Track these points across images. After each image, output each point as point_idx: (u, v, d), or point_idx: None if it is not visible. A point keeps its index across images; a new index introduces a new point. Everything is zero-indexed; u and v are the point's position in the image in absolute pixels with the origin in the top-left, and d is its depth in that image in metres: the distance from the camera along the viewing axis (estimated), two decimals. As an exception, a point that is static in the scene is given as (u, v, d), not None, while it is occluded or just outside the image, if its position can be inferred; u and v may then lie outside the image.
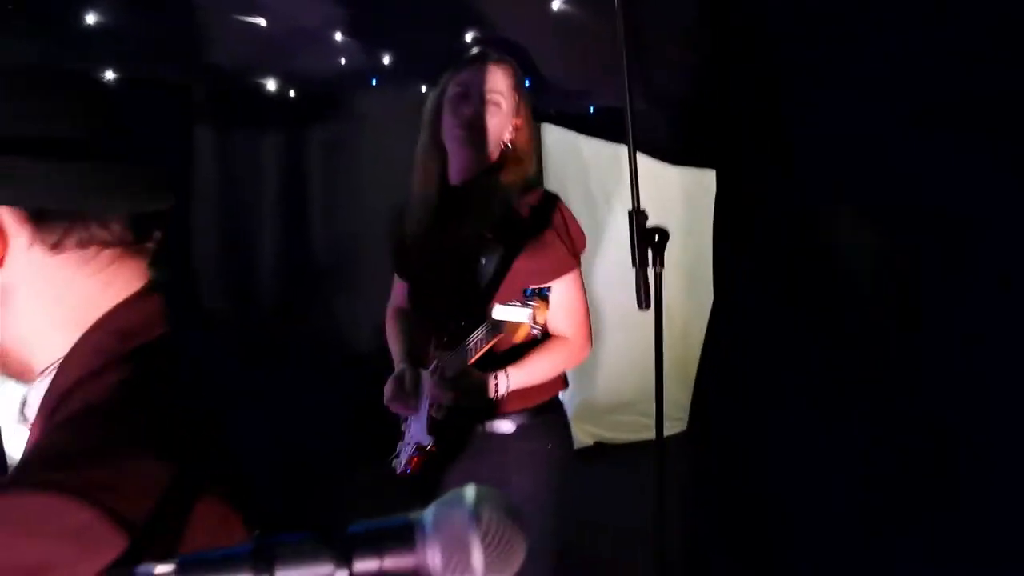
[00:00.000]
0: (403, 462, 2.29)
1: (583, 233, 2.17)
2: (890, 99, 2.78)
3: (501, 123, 2.08)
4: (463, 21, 3.09)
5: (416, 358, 2.29)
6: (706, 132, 3.42)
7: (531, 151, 2.18)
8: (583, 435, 4.72)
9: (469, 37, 3.03)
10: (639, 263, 2.17)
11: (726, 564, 3.28)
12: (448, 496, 0.63)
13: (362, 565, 0.61)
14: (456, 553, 0.61)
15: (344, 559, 0.60)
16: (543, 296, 1.90)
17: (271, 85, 4.02)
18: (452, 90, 2.10)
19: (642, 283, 2.18)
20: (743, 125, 3.01)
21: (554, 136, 4.66)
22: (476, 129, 2.05)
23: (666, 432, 2.49)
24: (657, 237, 2.16)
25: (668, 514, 2.23)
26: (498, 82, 2.08)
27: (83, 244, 0.87)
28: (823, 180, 2.96)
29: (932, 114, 2.70)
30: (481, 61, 2.11)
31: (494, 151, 2.11)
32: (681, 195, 4.55)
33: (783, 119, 2.99)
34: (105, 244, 0.88)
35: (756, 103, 2.99)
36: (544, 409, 2.17)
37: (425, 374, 2.17)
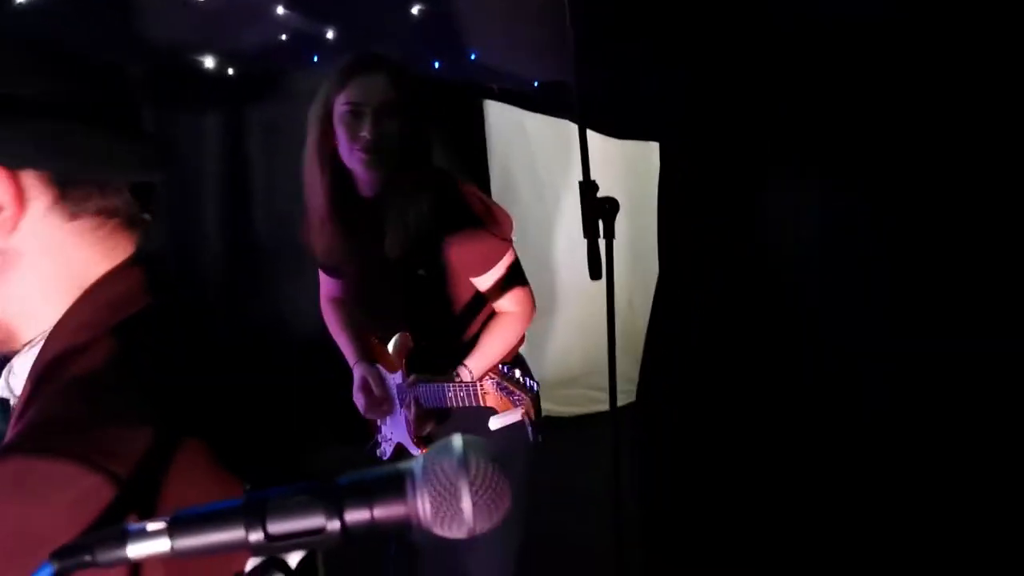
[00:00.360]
0: (388, 453, 2.32)
1: (507, 214, 2.18)
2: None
3: (401, 127, 2.02)
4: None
5: (367, 351, 2.30)
6: (651, 105, 3.45)
7: (431, 147, 2.15)
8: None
9: (415, 10, 3.01)
10: (589, 234, 2.21)
11: (678, 530, 3.36)
12: (437, 445, 0.65)
13: (353, 515, 0.62)
14: (446, 501, 0.62)
15: (335, 510, 0.61)
16: (531, 391, 1.97)
17: (209, 63, 3.93)
18: (341, 107, 2.01)
19: (594, 254, 2.22)
20: (689, 98, 3.05)
21: (497, 113, 4.66)
22: (377, 151, 2.00)
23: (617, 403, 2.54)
24: (607, 207, 2.20)
25: (621, 483, 2.27)
26: (389, 95, 2.00)
27: (98, 213, 0.87)
28: (769, 155, 3.02)
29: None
30: (365, 71, 2.03)
31: (398, 162, 2.06)
32: (626, 169, 4.60)
33: (728, 90, 3.04)
34: (113, 214, 0.88)
35: (702, 75, 3.03)
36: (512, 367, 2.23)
37: (390, 377, 2.19)
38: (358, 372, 2.26)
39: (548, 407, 5.01)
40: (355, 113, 1.99)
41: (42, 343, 0.84)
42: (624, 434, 2.44)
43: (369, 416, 2.25)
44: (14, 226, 0.83)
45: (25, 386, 0.83)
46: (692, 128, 3.07)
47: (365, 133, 1.98)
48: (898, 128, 2.80)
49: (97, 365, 0.80)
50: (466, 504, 0.62)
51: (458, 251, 2.08)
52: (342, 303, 2.41)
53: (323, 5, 3.24)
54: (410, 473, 0.63)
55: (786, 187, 3.13)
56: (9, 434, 0.78)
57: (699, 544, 3.28)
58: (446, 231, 2.07)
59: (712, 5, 2.90)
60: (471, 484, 0.62)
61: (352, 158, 2.03)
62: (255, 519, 0.60)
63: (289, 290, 4.52)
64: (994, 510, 2.74)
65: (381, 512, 0.62)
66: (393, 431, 2.28)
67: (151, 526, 0.60)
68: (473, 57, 3.08)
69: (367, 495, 0.62)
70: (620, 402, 2.25)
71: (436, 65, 3.26)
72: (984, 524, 2.75)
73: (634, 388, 4.72)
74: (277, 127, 4.53)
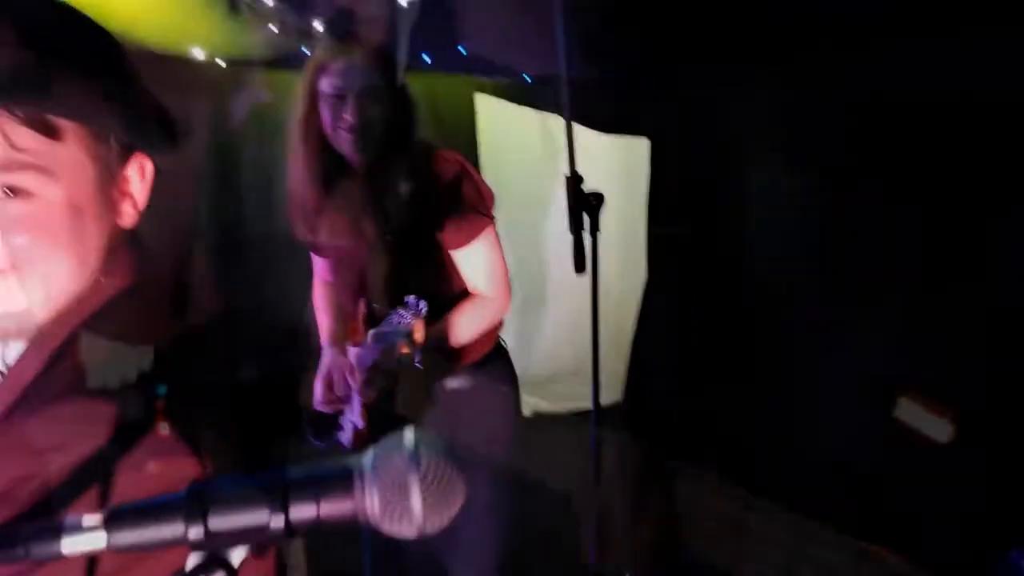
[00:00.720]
0: (348, 438, 2.29)
1: (491, 189, 2.17)
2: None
3: (384, 111, 2.03)
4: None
5: (342, 334, 2.28)
6: (641, 101, 3.44)
7: (416, 117, 2.15)
8: (524, 405, 4.74)
9: (404, 2, 2.98)
10: (574, 228, 2.20)
11: (660, 526, 3.35)
12: (387, 440, 0.62)
13: (298, 512, 0.60)
14: (395, 497, 0.60)
15: (280, 505, 0.59)
16: (419, 314, 1.91)
17: (199, 54, 3.90)
18: (324, 89, 2.03)
19: (579, 248, 2.21)
20: (678, 95, 3.03)
21: (489, 106, 4.63)
22: (363, 131, 2.02)
23: (604, 401, 2.53)
24: (593, 201, 2.19)
25: (605, 480, 2.26)
26: (371, 79, 2.02)
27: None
28: (761, 150, 3.00)
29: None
30: (346, 55, 2.03)
31: (382, 143, 2.07)
32: (616, 165, 4.57)
33: (718, 90, 3.03)
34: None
35: (692, 74, 3.01)
36: (485, 360, 2.20)
37: (354, 352, 2.16)
38: (324, 358, 2.25)
39: (538, 403, 5.03)
40: (338, 96, 2.01)
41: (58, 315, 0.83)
42: (611, 431, 2.43)
43: (322, 407, 2.22)
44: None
45: (30, 360, 0.81)
46: (682, 124, 3.05)
47: (348, 116, 1.99)
48: (892, 126, 2.79)
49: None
50: (415, 502, 0.60)
51: (436, 221, 2.08)
52: (330, 285, 2.40)
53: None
54: (359, 468, 0.61)
55: (777, 185, 3.12)
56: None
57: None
58: (425, 201, 2.07)
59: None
60: (421, 481, 0.60)
61: (336, 138, 2.05)
62: (197, 513, 0.58)
63: (277, 279, 4.50)
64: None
65: (328, 509, 0.60)
66: (352, 415, 2.25)
67: (87, 520, 0.58)
68: (463, 50, 3.05)
69: (314, 490, 0.60)
70: (610, 399, 2.24)
71: (426, 58, 3.23)
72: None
73: (622, 385, 4.73)
74: (266, 118, 4.51)
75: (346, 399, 2.20)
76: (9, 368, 0.81)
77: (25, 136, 0.76)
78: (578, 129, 2.29)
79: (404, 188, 2.05)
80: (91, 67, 0.82)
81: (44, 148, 0.78)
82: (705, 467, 3.35)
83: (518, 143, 4.93)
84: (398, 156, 2.06)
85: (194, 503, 0.58)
